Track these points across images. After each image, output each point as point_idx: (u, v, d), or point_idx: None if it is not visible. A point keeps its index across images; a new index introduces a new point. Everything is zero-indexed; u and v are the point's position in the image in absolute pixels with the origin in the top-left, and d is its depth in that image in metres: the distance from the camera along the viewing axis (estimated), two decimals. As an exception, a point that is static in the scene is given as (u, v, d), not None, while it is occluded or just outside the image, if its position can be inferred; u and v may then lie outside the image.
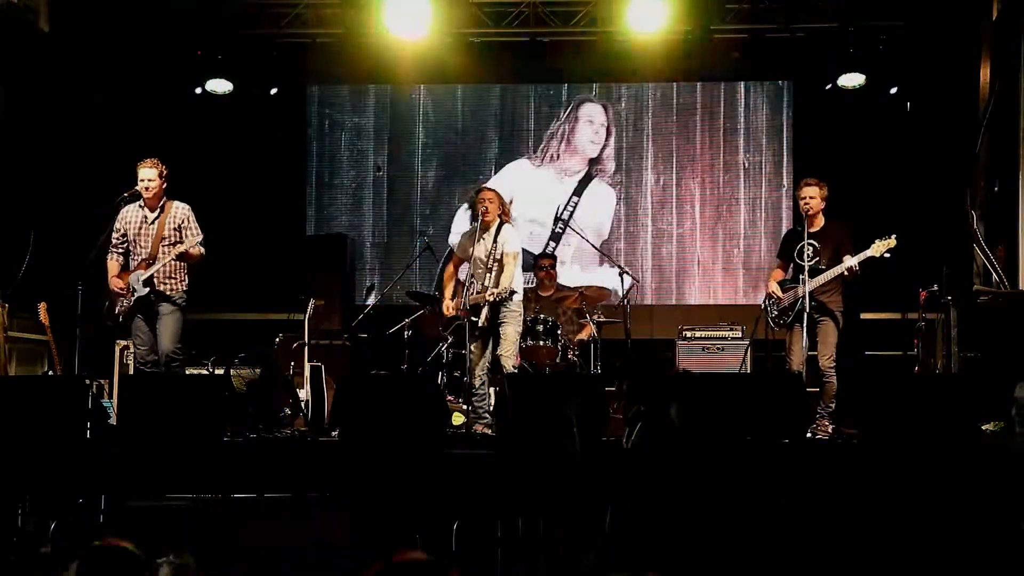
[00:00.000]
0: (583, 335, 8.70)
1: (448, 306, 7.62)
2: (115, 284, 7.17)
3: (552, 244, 10.54)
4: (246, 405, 7.40)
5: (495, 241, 7.36)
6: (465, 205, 10.53)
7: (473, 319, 7.26)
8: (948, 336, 7.86)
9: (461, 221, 10.66)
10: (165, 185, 7.15)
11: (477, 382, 7.41)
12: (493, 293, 7.13)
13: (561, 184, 10.80)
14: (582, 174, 10.80)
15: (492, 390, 8.12)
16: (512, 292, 7.19)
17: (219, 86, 10.20)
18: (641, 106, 10.72)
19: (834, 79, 10.06)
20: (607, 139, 10.79)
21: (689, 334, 8.91)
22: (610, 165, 10.76)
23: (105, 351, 8.97)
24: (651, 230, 10.67)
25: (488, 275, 7.31)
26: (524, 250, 7.98)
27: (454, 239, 10.39)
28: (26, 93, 9.09)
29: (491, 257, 7.33)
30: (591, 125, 10.83)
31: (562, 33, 10.17)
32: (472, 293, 7.38)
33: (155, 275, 7.03)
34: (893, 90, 10.03)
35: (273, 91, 10.48)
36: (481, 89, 10.83)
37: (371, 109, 10.89)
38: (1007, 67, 9.00)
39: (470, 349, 7.33)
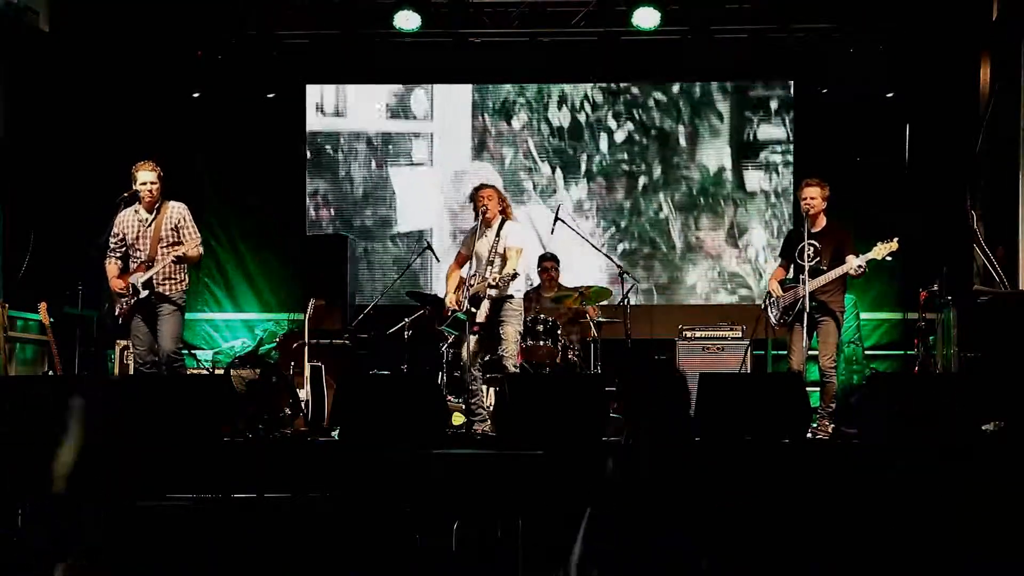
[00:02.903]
0: (583, 334, 8.71)
1: (451, 299, 7.61)
2: (116, 286, 7.16)
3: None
4: (246, 405, 7.40)
5: (497, 236, 7.37)
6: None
7: (472, 310, 7.25)
8: (948, 336, 7.87)
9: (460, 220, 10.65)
10: (162, 187, 7.15)
11: (470, 378, 7.38)
12: (495, 277, 7.09)
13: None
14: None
15: (492, 390, 8.12)
16: (515, 275, 7.15)
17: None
18: (643, 107, 10.70)
19: (834, 80, 10.07)
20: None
21: (689, 334, 8.91)
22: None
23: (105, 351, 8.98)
24: (650, 232, 10.63)
25: (489, 268, 7.30)
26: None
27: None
28: (26, 93, 9.09)
29: (493, 251, 7.33)
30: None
31: (562, 33, 10.18)
32: (473, 285, 7.36)
33: (154, 277, 7.02)
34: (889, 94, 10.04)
35: (270, 95, 10.47)
36: (484, 90, 10.80)
37: (376, 109, 10.85)
38: (1007, 67, 9.01)
39: (468, 343, 7.31)
